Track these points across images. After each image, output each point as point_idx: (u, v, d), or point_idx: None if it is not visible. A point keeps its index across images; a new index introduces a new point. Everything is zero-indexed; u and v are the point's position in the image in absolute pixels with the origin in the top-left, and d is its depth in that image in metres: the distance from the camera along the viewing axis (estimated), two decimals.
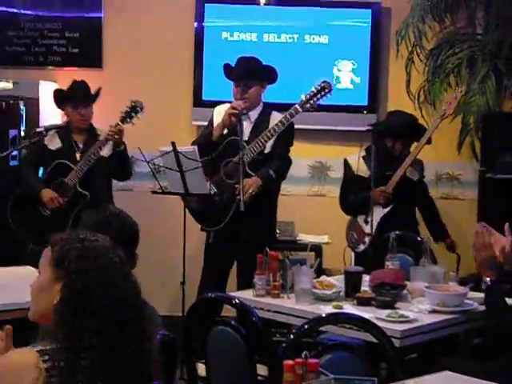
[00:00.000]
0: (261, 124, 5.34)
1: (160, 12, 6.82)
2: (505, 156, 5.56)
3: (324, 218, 6.56)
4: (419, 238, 4.99)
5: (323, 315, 3.24)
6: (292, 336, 2.88)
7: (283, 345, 2.86)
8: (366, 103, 6.63)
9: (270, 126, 5.24)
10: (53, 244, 2.16)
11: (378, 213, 5.37)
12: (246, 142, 5.21)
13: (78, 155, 5.59)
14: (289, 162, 5.40)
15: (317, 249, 5.86)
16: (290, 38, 6.67)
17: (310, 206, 6.68)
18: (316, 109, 5.31)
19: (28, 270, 4.68)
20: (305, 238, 6.30)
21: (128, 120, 5.48)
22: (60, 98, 5.71)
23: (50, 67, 6.90)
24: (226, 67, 5.42)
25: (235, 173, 5.12)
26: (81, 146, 5.66)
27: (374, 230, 5.25)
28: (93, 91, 5.70)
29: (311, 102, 5.18)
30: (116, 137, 5.43)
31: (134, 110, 5.50)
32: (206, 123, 6.53)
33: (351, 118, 6.57)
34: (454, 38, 6.18)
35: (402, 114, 5.59)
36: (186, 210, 5.29)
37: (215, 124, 5.41)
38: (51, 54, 6.89)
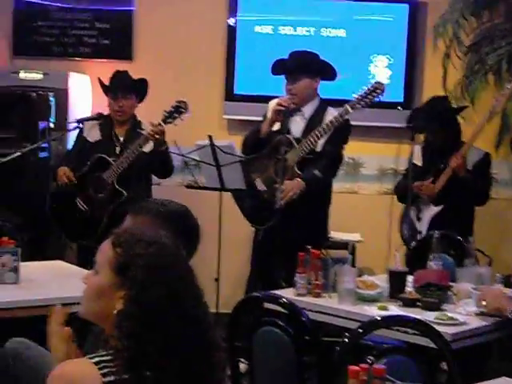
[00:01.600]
0: (315, 120, 5.18)
1: (192, 5, 6.73)
2: None
3: (356, 215, 6.46)
4: (460, 238, 4.86)
5: (378, 318, 3.13)
6: (347, 339, 2.78)
7: (338, 348, 2.76)
8: (401, 99, 6.52)
9: (325, 120, 5.10)
10: (116, 242, 2.02)
11: (429, 211, 5.25)
12: (298, 140, 5.08)
13: (117, 148, 5.45)
14: (338, 160, 5.27)
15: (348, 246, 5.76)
16: (326, 31, 6.56)
17: (342, 204, 6.57)
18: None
19: (59, 264, 4.61)
20: (337, 235, 6.19)
21: (170, 120, 5.24)
22: (102, 88, 5.59)
23: (80, 58, 6.81)
24: (277, 62, 5.28)
25: (282, 170, 5.00)
26: (121, 138, 5.50)
27: (425, 228, 5.14)
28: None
29: (362, 102, 5.05)
30: (157, 137, 5.21)
31: (177, 111, 5.24)
32: (237, 117, 6.51)
33: (386, 114, 6.46)
34: (493, 33, 6.04)
35: (426, 105, 5.49)
36: (222, 205, 5.18)
37: (268, 116, 5.26)
38: (81, 45, 6.81)
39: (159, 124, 5.20)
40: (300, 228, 4.99)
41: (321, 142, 5.09)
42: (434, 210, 5.28)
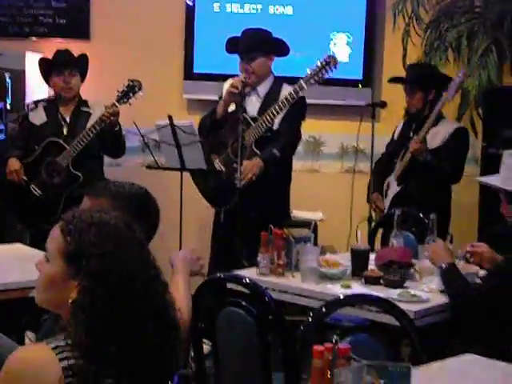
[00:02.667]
0: (270, 98, 5.18)
1: None
2: (507, 131, 5.45)
3: (317, 194, 6.45)
4: (421, 215, 4.86)
5: (341, 296, 3.12)
6: (311, 318, 2.76)
7: (301, 327, 2.74)
8: (360, 77, 6.50)
9: (280, 99, 5.08)
10: (65, 229, 1.95)
11: (393, 189, 5.26)
12: (255, 118, 5.05)
13: (64, 129, 5.39)
14: (296, 138, 5.25)
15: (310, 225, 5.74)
16: (285, 10, 6.50)
17: (303, 182, 6.55)
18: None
19: (17, 248, 4.54)
20: (299, 214, 6.17)
21: (125, 100, 5.20)
22: (44, 66, 5.50)
23: (36, 38, 6.70)
24: (230, 40, 5.24)
25: (242, 149, 4.97)
26: (67, 119, 5.44)
27: (387, 206, 5.15)
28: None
29: (316, 77, 5.04)
30: (112, 118, 5.17)
31: (131, 90, 5.22)
32: (197, 96, 6.45)
33: (345, 91, 6.45)
34: (452, 10, 6.04)
35: (413, 64, 5.58)
36: (183, 187, 5.14)
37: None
38: (37, 24, 6.68)
39: (114, 105, 5.14)
40: (261, 207, 4.98)
41: (277, 119, 5.07)
42: (396, 189, 5.30)
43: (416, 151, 5.15)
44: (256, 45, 5.15)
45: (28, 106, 5.57)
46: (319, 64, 5.06)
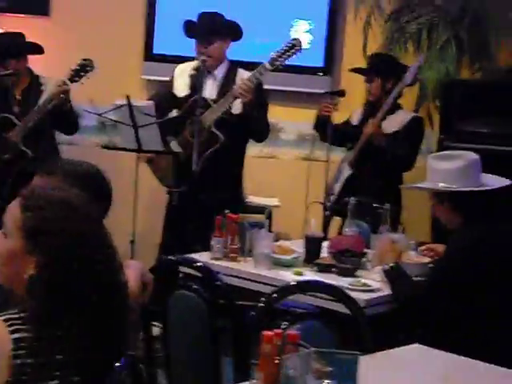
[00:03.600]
0: (227, 82, 5.19)
1: None
2: (463, 124, 5.49)
3: (274, 180, 6.45)
4: (375, 204, 4.88)
5: (292, 283, 3.13)
6: (262, 304, 2.77)
7: (252, 313, 2.75)
8: (321, 65, 6.50)
9: (236, 84, 5.08)
10: (25, 205, 1.96)
11: (344, 173, 5.30)
12: (213, 101, 5.05)
13: (15, 108, 5.32)
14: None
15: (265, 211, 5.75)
16: None
17: (260, 168, 6.54)
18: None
19: None
20: (254, 200, 6.17)
21: (76, 79, 5.13)
22: None
23: None
24: (187, 24, 5.23)
25: (199, 131, 4.96)
26: (18, 97, 5.37)
27: (338, 191, 5.19)
28: (40, 41, 5.43)
29: (280, 59, 5.03)
30: (62, 96, 5.11)
31: (83, 69, 5.15)
32: (156, 78, 6.38)
33: (305, 79, 6.44)
34: (413, 2, 6.08)
35: (373, 55, 5.61)
36: (138, 168, 5.12)
37: (176, 84, 5.25)
38: None
39: (64, 83, 5.10)
40: (214, 192, 4.99)
41: (237, 103, 5.07)
42: (348, 172, 5.33)
43: (371, 135, 5.20)
44: (213, 29, 5.15)
45: None
46: (284, 47, 5.05)
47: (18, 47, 5.39)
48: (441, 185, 3.45)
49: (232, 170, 5.24)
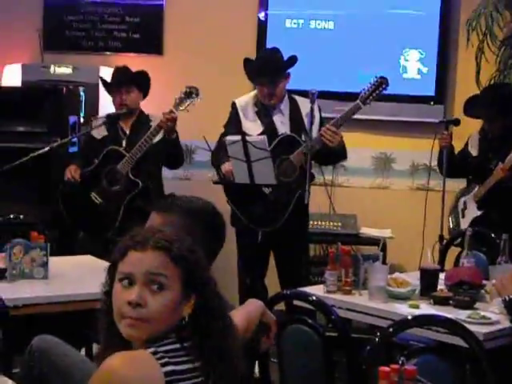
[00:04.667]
0: (295, 114, 5.24)
1: None
2: None
3: (387, 211, 6.40)
4: (493, 235, 4.77)
5: (409, 316, 3.07)
6: (378, 338, 2.73)
7: (368, 348, 2.71)
8: (433, 94, 6.44)
9: (302, 113, 5.16)
10: (176, 257, 2.05)
11: (472, 212, 5.19)
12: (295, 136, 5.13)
13: (124, 142, 5.46)
14: None
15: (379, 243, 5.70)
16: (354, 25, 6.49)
17: (373, 199, 6.51)
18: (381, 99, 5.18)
19: (89, 259, 4.58)
20: (367, 231, 6.13)
21: (182, 107, 5.23)
22: (104, 85, 5.64)
23: (110, 53, 6.80)
24: (255, 65, 5.27)
25: (290, 169, 5.03)
26: (127, 132, 5.52)
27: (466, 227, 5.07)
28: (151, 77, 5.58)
29: (371, 98, 5.02)
30: (169, 124, 5.22)
31: (188, 97, 5.26)
32: None
33: (417, 108, 6.41)
34: None
35: (484, 91, 5.43)
36: None
37: (242, 118, 5.30)
38: (111, 39, 6.79)
39: (171, 111, 5.19)
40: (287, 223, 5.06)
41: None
42: (476, 212, 5.22)
43: (503, 179, 5.08)
44: (280, 69, 5.19)
45: (91, 121, 5.68)
46: (370, 86, 5.04)
47: (127, 75, 5.55)
48: None
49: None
